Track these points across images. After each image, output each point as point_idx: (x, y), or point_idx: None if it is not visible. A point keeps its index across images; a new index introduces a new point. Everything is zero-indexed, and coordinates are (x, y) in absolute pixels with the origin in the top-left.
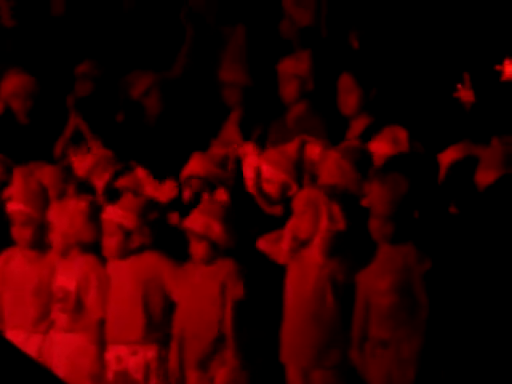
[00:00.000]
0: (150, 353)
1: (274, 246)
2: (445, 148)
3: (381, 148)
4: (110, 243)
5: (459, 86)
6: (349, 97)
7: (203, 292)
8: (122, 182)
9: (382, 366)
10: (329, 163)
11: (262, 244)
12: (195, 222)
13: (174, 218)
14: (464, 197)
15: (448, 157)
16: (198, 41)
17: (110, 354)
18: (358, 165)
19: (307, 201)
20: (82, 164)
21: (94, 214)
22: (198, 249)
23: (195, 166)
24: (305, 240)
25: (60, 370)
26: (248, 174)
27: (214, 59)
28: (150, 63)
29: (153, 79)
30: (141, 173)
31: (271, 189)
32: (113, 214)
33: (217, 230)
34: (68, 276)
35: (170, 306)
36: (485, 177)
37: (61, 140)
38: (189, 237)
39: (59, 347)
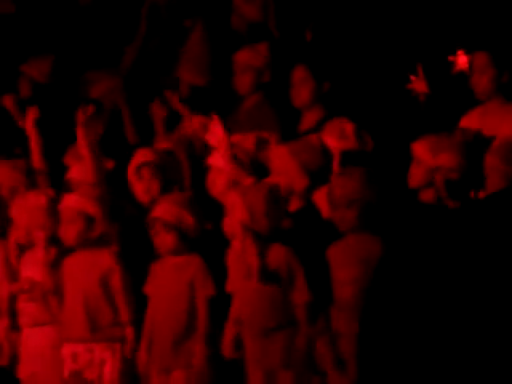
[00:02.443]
0: (106, 352)
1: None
2: (399, 139)
3: (328, 141)
4: (70, 231)
5: (412, 77)
6: (302, 89)
7: (171, 289)
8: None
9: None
10: (276, 160)
11: None
12: (167, 212)
13: (128, 207)
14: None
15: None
16: (151, 36)
17: (66, 352)
18: (306, 164)
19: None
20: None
21: (54, 208)
22: (166, 240)
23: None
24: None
25: (29, 364)
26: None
27: (172, 54)
28: (104, 60)
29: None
30: None
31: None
32: (73, 202)
33: (189, 219)
34: (33, 267)
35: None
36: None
37: None
38: (155, 229)
39: (28, 341)
